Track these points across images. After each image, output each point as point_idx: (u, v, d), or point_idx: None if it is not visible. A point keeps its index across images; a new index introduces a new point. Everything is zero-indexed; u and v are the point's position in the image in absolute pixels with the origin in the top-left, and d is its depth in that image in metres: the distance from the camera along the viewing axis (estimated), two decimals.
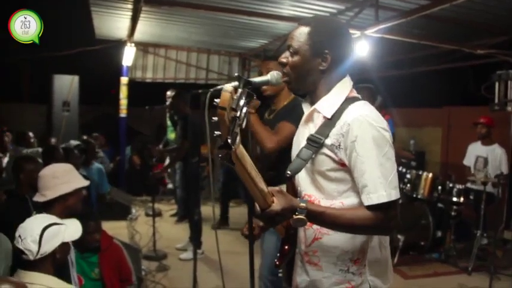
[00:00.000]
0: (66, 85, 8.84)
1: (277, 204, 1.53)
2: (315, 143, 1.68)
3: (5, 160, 5.68)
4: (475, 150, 6.25)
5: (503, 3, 5.40)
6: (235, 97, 1.38)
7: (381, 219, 1.59)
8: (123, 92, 8.91)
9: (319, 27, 1.73)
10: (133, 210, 7.26)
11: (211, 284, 4.38)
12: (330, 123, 1.69)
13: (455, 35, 6.86)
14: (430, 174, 5.75)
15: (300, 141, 1.84)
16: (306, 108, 1.87)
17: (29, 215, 2.82)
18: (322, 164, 1.69)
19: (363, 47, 6.09)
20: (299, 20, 1.80)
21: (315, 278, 1.78)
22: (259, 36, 8.44)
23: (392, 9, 5.81)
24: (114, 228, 5.14)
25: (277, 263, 1.80)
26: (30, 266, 2.26)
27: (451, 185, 5.77)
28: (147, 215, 7.08)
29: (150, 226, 6.12)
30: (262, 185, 1.52)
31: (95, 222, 3.22)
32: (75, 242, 2.67)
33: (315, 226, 1.70)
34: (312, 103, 1.81)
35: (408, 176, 5.88)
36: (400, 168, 5.95)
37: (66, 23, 10.49)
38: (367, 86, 4.70)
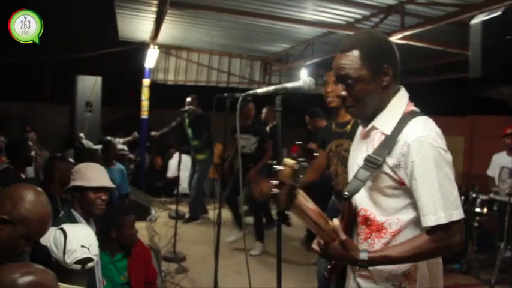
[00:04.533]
0: (89, 86, 8.93)
1: (337, 248, 1.59)
2: (373, 164, 1.65)
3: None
4: (500, 161, 6.12)
5: None
6: (296, 167, 1.46)
7: (441, 240, 1.57)
8: (145, 94, 8.97)
9: (367, 45, 1.67)
10: (153, 211, 7.28)
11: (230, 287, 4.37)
12: (389, 141, 1.65)
13: None
14: None
15: (355, 157, 1.82)
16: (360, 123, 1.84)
17: (57, 213, 2.85)
18: (381, 182, 1.67)
19: None
20: (340, 47, 1.71)
21: None
22: (282, 40, 8.44)
23: (419, 16, 5.76)
24: None
25: (327, 275, 1.85)
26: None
27: (474, 195, 5.67)
28: (170, 217, 7.09)
29: (169, 227, 6.17)
30: (326, 225, 1.59)
31: (130, 217, 3.26)
32: (115, 238, 2.78)
33: (366, 245, 1.72)
34: (368, 118, 1.76)
35: None
36: None
37: (90, 25, 10.65)
38: None
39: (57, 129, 9.34)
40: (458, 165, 8.58)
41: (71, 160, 3.77)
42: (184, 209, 7.25)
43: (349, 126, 2.98)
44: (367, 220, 1.73)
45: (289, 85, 1.85)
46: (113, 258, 3.20)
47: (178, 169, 5.86)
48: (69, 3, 10.09)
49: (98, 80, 9.04)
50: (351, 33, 6.79)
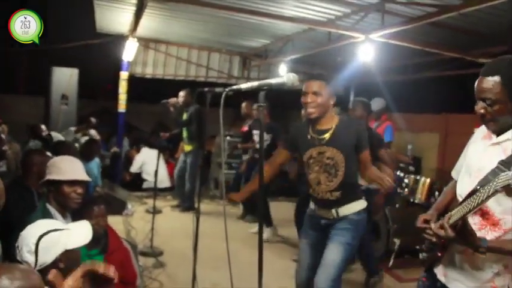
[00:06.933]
0: (65, 78, 8.80)
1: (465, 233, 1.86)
2: (505, 168, 1.83)
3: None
4: None
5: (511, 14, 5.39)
6: None
7: None
8: (123, 87, 8.85)
9: (508, 73, 1.89)
10: (130, 206, 7.20)
11: (208, 282, 4.35)
12: None
13: (460, 43, 6.85)
14: (428, 180, 5.75)
15: (481, 156, 2.03)
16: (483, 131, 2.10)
17: (34, 208, 2.79)
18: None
19: (367, 51, 6.09)
20: (483, 71, 1.96)
21: (468, 273, 2.04)
22: (261, 35, 8.43)
23: (398, 15, 5.81)
24: (109, 224, 5.10)
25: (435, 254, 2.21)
26: None
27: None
28: (147, 211, 7.03)
29: (146, 222, 6.11)
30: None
31: (99, 207, 3.21)
32: None
33: (479, 233, 1.92)
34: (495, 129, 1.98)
35: (406, 180, 5.89)
36: (398, 173, 5.97)
37: (67, 16, 10.45)
38: (361, 100, 4.67)
39: (32, 121, 9.10)
40: (432, 161, 8.73)
41: (48, 154, 3.70)
42: (159, 203, 7.22)
43: (327, 135, 2.98)
44: (485, 214, 1.96)
45: (273, 81, 1.86)
46: (89, 251, 3.14)
47: (156, 169, 5.74)
48: None
49: (74, 72, 8.91)
50: (332, 30, 6.86)
